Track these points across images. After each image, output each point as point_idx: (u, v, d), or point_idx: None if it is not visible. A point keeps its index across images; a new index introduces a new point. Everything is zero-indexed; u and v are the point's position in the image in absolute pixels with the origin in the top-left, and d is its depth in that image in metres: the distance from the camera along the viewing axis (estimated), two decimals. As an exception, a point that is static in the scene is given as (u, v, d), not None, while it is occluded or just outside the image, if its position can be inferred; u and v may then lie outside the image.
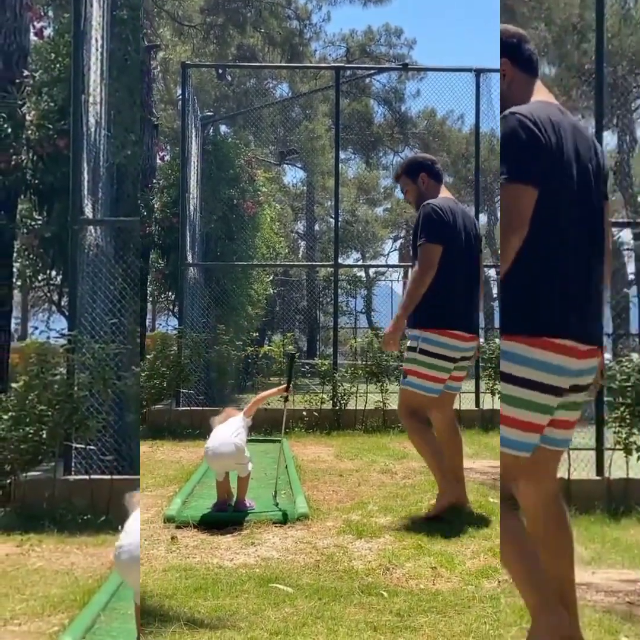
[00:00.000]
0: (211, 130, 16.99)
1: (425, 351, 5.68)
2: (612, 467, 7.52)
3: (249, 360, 11.93)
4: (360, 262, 35.40)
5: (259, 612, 3.68)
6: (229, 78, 27.18)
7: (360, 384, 11.00)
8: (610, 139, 17.80)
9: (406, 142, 31.36)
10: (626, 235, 18.14)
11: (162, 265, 14.61)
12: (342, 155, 30.77)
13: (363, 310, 30.00)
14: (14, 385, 7.06)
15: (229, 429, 5.84)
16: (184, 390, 11.43)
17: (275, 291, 21.67)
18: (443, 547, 4.76)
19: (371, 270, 31.58)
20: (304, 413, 10.78)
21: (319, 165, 26.49)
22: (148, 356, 11.94)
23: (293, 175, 36.17)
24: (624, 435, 7.27)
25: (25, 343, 11.10)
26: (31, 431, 6.56)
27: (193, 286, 13.13)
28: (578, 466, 7.56)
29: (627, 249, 19.72)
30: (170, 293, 15.14)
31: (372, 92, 30.79)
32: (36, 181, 8.70)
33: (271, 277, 18.85)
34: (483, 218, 35.58)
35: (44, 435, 6.56)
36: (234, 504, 5.85)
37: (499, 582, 4.09)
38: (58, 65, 8.98)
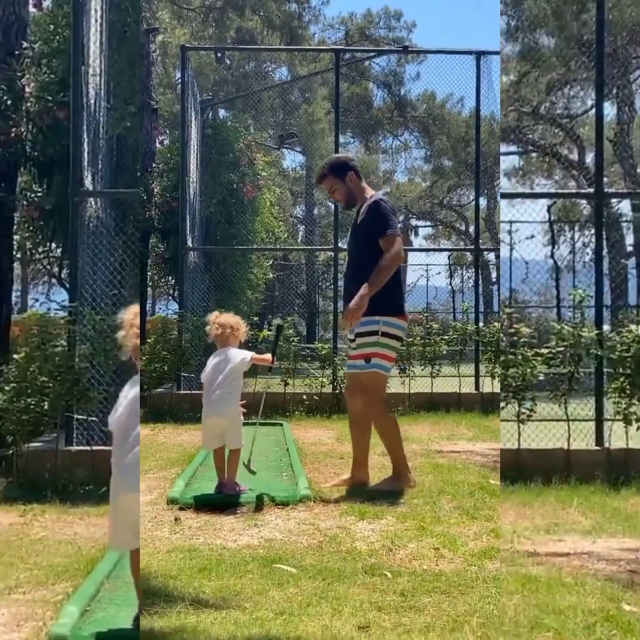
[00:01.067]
0: (210, 114, 16.97)
1: (387, 334, 5.97)
2: (612, 437, 7.61)
3: (249, 345, 11.92)
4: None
5: (263, 593, 3.70)
6: (228, 62, 27.12)
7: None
8: (609, 110, 17.79)
9: (406, 126, 31.33)
10: (625, 206, 18.23)
11: (162, 249, 14.63)
12: (341, 139, 30.71)
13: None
14: (15, 356, 7.11)
15: (226, 377, 5.78)
16: (184, 374, 11.46)
17: (274, 276, 21.65)
18: (445, 529, 4.79)
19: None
20: (304, 397, 10.84)
21: (319, 149, 26.46)
22: (148, 340, 11.97)
23: (292, 159, 36.23)
24: (623, 406, 7.34)
25: (25, 315, 11.12)
26: (33, 402, 6.60)
27: (193, 270, 13.15)
28: (578, 437, 7.61)
29: (626, 221, 19.72)
30: (170, 277, 15.18)
31: (371, 76, 30.72)
32: (36, 153, 8.72)
33: (271, 262, 18.86)
34: (483, 202, 35.74)
35: (46, 407, 6.61)
36: (224, 485, 5.80)
37: (501, 561, 4.12)
38: (57, 37, 8.99)
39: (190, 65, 13.73)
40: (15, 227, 9.28)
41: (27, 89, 8.47)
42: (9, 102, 8.49)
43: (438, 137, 30.14)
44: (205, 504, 5.52)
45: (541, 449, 7.49)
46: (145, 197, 13.78)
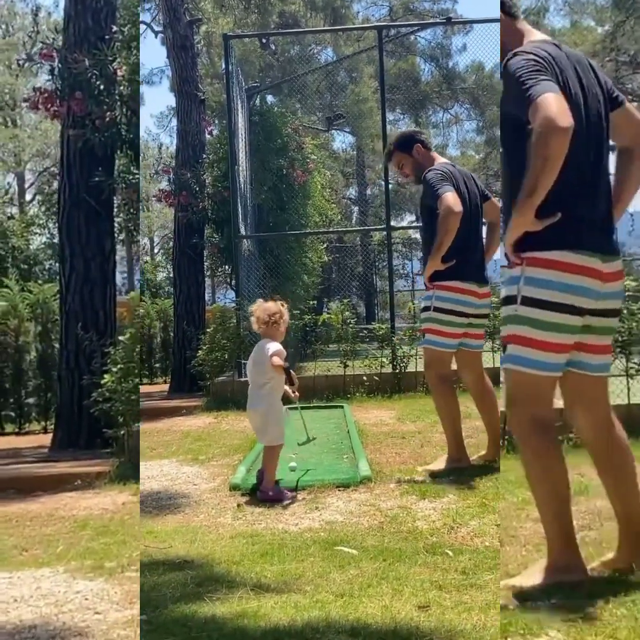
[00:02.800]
0: (257, 101, 16.97)
1: (439, 309, 5.91)
2: None
3: (307, 329, 11.97)
4: (414, 224, 35.20)
5: (324, 575, 3.70)
6: (273, 47, 27.06)
7: (419, 346, 10.98)
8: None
9: (455, 98, 31.01)
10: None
11: (217, 239, 14.68)
12: (390, 117, 30.53)
13: (420, 272, 29.83)
14: (121, 338, 7.32)
15: (259, 371, 5.69)
16: (245, 362, 11.47)
17: (330, 258, 21.61)
18: (508, 504, 4.75)
19: (426, 232, 31.36)
20: (365, 378, 10.83)
21: (367, 129, 26.32)
22: (208, 330, 12.07)
23: (342, 140, 36.04)
24: None
25: (130, 296, 11.34)
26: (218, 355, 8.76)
27: (248, 258, 13.20)
28: (638, 391, 7.42)
29: None
30: (226, 266, 15.22)
31: (417, 50, 30.48)
32: (131, 136, 8.80)
33: (325, 245, 18.82)
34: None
35: (226, 356, 11.00)
36: (259, 488, 5.52)
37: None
38: None
39: (233, 53, 13.71)
40: (116, 209, 9.44)
41: (119, 73, 8.54)
42: (102, 86, 8.55)
43: (489, 107, 29.69)
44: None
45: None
46: (197, 189, 13.87)
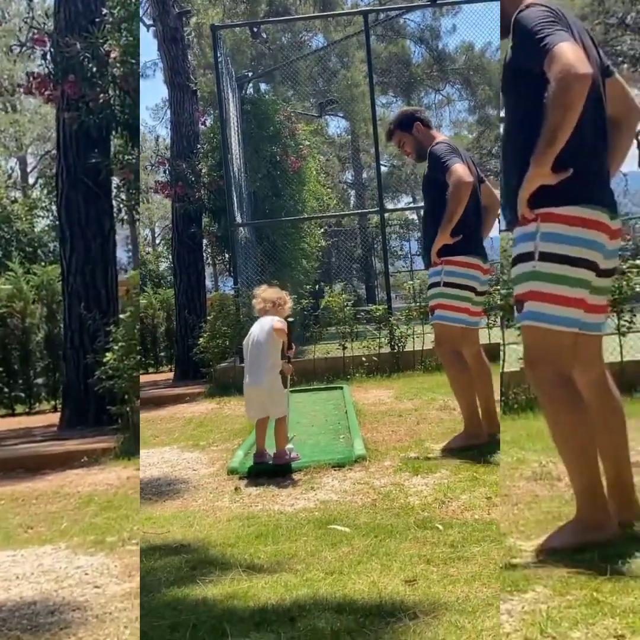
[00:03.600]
0: (251, 90, 17.01)
1: (448, 283, 5.87)
2: None
3: (305, 313, 12.02)
4: (412, 205, 35.21)
5: (316, 554, 3.74)
6: (265, 36, 27.02)
7: (417, 325, 11.06)
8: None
9: (446, 80, 31.08)
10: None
11: (215, 228, 14.75)
12: (383, 100, 30.65)
13: (418, 253, 29.88)
14: (121, 316, 7.44)
15: (261, 346, 5.78)
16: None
17: (329, 242, 21.66)
18: (499, 477, 4.81)
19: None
20: (364, 359, 10.92)
21: (360, 113, 26.38)
22: (208, 317, 12.17)
23: (336, 125, 36.04)
24: None
25: (129, 275, 11.46)
26: (142, 359, 7.33)
27: (245, 245, 13.28)
28: (631, 348, 7.53)
29: None
30: (226, 254, 15.30)
31: (407, 33, 30.53)
32: (125, 116, 8.84)
33: (322, 230, 18.86)
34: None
35: (227, 343, 11.15)
36: (273, 455, 5.80)
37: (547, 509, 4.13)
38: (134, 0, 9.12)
39: (222, 43, 13.75)
40: (115, 190, 9.52)
41: (112, 55, 8.59)
42: (94, 69, 8.61)
43: (480, 87, 29.77)
44: (263, 473, 5.62)
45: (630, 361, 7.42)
46: (192, 179, 13.92)
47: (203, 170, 14.21)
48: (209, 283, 21.12)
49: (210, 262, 17.94)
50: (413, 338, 10.95)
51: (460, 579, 3.21)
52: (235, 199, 12.51)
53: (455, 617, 2.78)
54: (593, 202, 3.42)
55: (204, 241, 15.14)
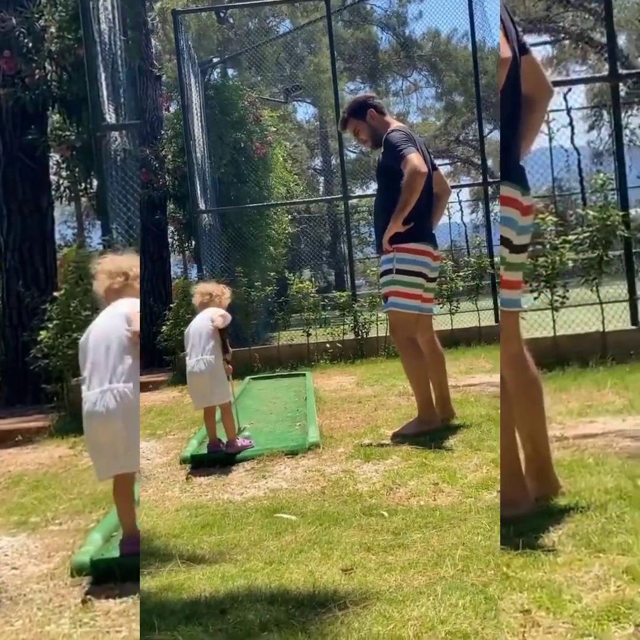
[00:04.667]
0: (217, 76, 16.88)
1: (401, 271, 5.86)
2: None
3: (269, 300, 11.98)
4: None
5: (259, 543, 3.69)
6: (231, 21, 26.87)
7: (381, 311, 11.05)
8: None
9: (413, 66, 31.12)
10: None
11: (180, 214, 14.66)
12: (351, 86, 30.64)
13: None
14: (55, 294, 7.37)
15: (203, 337, 5.74)
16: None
17: (298, 229, 21.58)
18: (447, 463, 4.77)
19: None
20: (328, 345, 10.89)
21: (328, 99, 26.21)
22: (171, 305, 12.05)
23: (305, 112, 35.95)
24: None
25: (62, 252, 11.34)
26: (78, 337, 6.85)
27: (210, 232, 13.19)
28: (613, 319, 7.70)
29: None
30: (192, 241, 15.22)
31: (374, 19, 30.47)
32: (62, 93, 8.72)
33: (288, 217, 18.79)
34: (497, 134, 35.34)
35: None
36: (226, 444, 5.79)
37: (498, 491, 4.10)
38: None
39: (184, 29, 13.63)
40: (55, 167, 9.41)
41: (49, 30, 8.46)
42: (30, 44, 8.50)
43: (447, 73, 29.86)
44: (217, 461, 5.57)
45: (577, 334, 7.63)
46: (157, 165, 13.81)
47: (167, 156, 14.09)
48: (178, 270, 20.96)
49: (177, 248, 17.80)
50: (377, 324, 10.93)
51: (397, 566, 3.17)
52: (198, 185, 12.42)
53: (385, 606, 2.73)
54: (423, 240, 5.86)
55: (170, 228, 15.02)
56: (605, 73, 9.14)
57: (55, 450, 6.09)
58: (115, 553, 3.56)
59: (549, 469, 3.75)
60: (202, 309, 5.93)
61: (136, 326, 3.66)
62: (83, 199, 11.25)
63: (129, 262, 4.19)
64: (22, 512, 4.48)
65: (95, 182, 9.55)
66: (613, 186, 8.32)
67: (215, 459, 5.59)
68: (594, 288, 7.83)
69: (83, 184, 10.16)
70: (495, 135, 35.90)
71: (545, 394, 3.85)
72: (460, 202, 29.31)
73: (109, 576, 3.40)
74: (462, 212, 29.76)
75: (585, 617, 2.49)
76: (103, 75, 8.08)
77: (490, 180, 13.87)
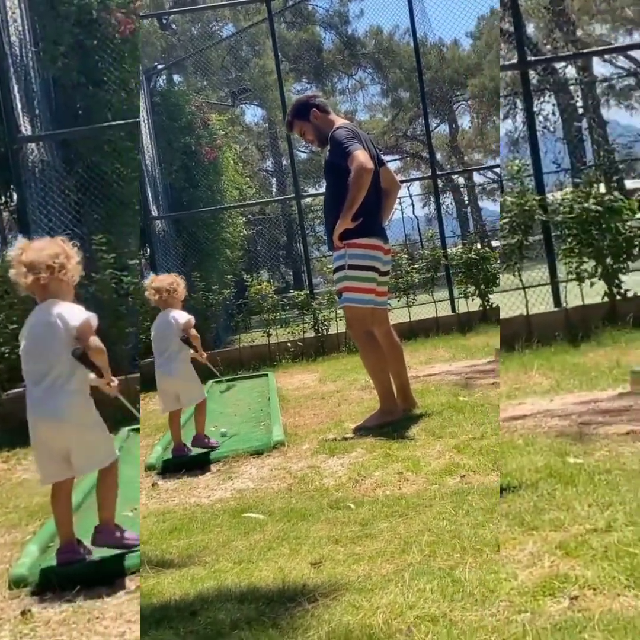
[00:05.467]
0: (163, 82, 16.82)
1: (353, 266, 5.89)
2: (568, 297, 7.87)
3: (227, 303, 11.96)
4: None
5: (228, 544, 3.69)
6: (174, 27, 26.81)
7: (338, 306, 11.08)
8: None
9: (358, 64, 31.29)
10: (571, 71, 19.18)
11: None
12: (298, 87, 30.68)
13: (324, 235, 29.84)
14: None
15: (170, 339, 5.72)
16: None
17: (253, 231, 21.55)
18: (411, 452, 4.79)
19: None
20: (289, 345, 10.90)
21: (275, 100, 26.31)
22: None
23: (253, 114, 36.01)
24: (574, 265, 7.66)
25: None
26: (6, 351, 6.71)
27: (164, 238, 13.14)
28: (536, 302, 7.93)
29: (573, 84, 20.15)
30: (147, 249, 15.15)
31: (316, 19, 30.55)
32: None
33: (244, 219, 18.77)
34: (444, 128, 35.79)
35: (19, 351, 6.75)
36: (193, 438, 5.86)
37: (461, 476, 4.14)
38: None
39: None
40: None
41: None
42: None
43: (391, 70, 30.06)
44: (181, 467, 5.55)
45: (502, 319, 7.82)
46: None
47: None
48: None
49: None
50: (336, 321, 10.96)
51: (365, 556, 3.19)
52: (149, 192, 12.38)
53: (354, 596, 2.74)
54: (373, 235, 5.92)
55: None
56: (515, 61, 9.24)
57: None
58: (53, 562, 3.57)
59: (409, 394, 6.10)
60: (161, 305, 5.76)
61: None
62: (5, 213, 10.99)
63: (166, 279, 5.46)
64: None
65: (15, 195, 9.29)
66: (529, 172, 8.50)
67: (183, 464, 5.56)
68: (516, 273, 8.06)
69: (3, 197, 9.93)
70: (442, 129, 36.41)
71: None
72: (411, 196, 29.61)
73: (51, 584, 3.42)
74: (413, 206, 30.16)
75: (522, 594, 2.55)
76: (16, 87, 7.98)
77: (439, 173, 13.94)
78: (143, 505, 4.76)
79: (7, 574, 3.61)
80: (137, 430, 6.85)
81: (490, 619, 2.40)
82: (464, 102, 35.28)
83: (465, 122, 39.35)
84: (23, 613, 3.20)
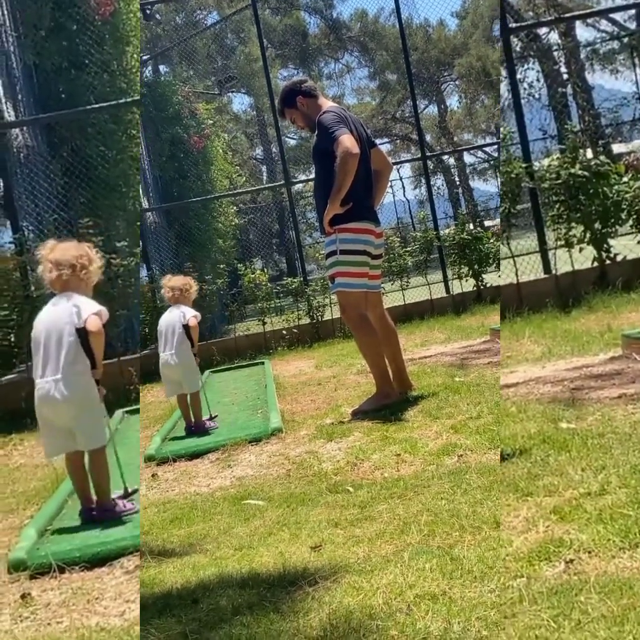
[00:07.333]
0: (149, 73, 16.78)
1: (344, 251, 5.89)
2: (558, 263, 7.91)
3: (221, 292, 11.97)
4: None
5: (228, 531, 3.71)
6: (158, 17, 26.69)
7: (331, 292, 11.09)
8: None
9: (344, 48, 31.22)
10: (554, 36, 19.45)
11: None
12: (284, 73, 30.64)
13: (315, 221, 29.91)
14: None
15: (176, 331, 6.28)
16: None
17: (245, 220, 21.54)
18: (408, 434, 4.82)
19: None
20: (284, 332, 10.92)
21: (262, 87, 26.19)
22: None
23: (241, 102, 35.98)
24: (563, 231, 7.70)
25: None
26: None
27: (155, 230, 13.13)
28: (526, 269, 7.97)
29: (556, 50, 20.28)
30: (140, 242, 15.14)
31: (301, 4, 30.51)
32: None
33: (235, 208, 18.76)
34: (433, 108, 35.73)
35: (13, 339, 6.72)
36: (192, 427, 6.31)
37: (459, 456, 4.16)
38: None
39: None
40: None
41: None
42: None
43: (377, 53, 30.00)
44: (182, 456, 5.57)
45: (493, 287, 7.85)
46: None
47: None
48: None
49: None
50: (331, 307, 10.97)
51: (365, 538, 3.20)
52: (140, 183, 12.36)
53: (354, 578, 2.76)
54: (363, 219, 5.87)
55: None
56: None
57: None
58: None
59: (406, 377, 6.10)
60: (173, 302, 6.40)
61: (92, 326, 3.95)
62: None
63: (181, 280, 6.00)
64: None
65: (1, 182, 9.29)
66: (515, 140, 8.51)
67: (182, 454, 5.61)
68: (505, 242, 8.13)
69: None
70: (431, 110, 36.37)
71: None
72: (401, 178, 29.66)
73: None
74: (404, 188, 30.18)
75: (517, 560, 2.59)
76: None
77: (429, 154, 13.92)
78: (143, 496, 4.77)
79: (6, 558, 3.65)
80: (133, 411, 7.25)
81: (489, 595, 2.42)
82: (451, 82, 35.41)
83: (453, 102, 39.51)
84: (23, 596, 3.26)
